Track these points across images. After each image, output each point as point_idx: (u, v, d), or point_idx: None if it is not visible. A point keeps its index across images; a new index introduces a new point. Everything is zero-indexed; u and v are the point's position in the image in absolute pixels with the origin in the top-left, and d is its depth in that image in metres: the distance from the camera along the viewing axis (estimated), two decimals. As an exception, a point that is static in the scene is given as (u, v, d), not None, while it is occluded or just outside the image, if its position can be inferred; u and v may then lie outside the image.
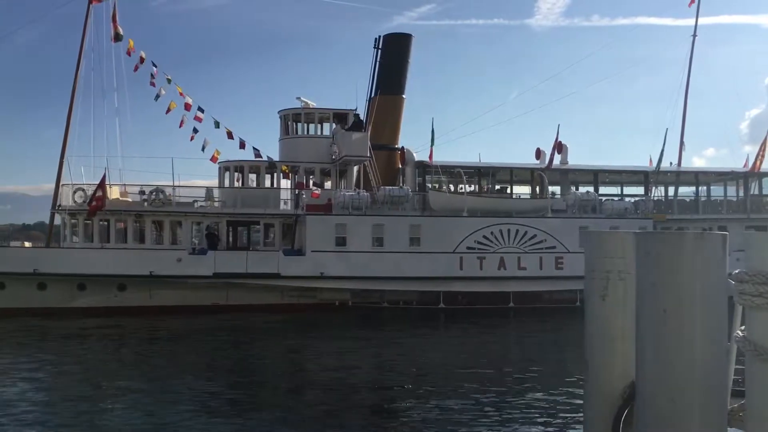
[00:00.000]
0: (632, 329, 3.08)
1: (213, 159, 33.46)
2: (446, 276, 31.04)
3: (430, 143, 34.26)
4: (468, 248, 31.38)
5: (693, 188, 40.69)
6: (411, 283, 30.91)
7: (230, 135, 31.48)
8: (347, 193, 31.31)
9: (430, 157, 34.05)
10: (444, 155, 57.64)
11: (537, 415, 13.40)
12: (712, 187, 41.05)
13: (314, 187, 30.59)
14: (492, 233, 31.60)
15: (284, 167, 31.01)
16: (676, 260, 2.79)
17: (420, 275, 30.76)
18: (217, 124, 31.82)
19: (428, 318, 29.27)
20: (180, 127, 32.51)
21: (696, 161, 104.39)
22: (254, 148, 31.13)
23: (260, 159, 31.30)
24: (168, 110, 32.13)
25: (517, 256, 31.70)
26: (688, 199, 38.57)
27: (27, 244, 34.28)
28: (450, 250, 31.19)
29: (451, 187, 39.03)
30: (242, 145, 31.52)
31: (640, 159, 40.08)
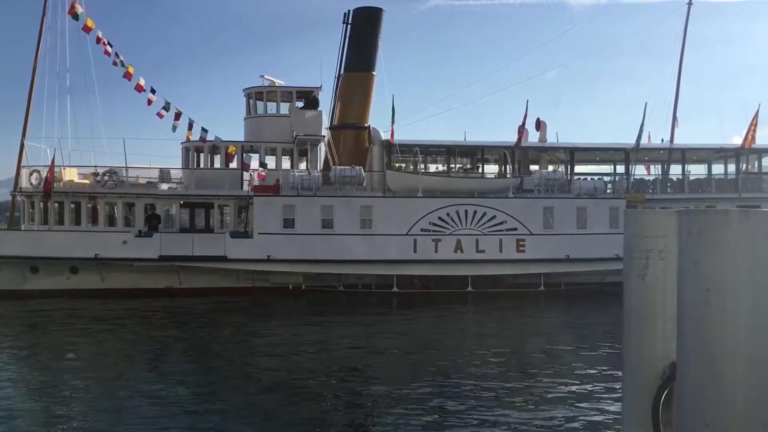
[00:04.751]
0: (672, 309, 3.07)
1: (187, 139, 33.10)
2: (399, 259, 29.87)
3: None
4: (422, 230, 30.09)
5: (700, 166, 38.53)
6: (362, 267, 29.80)
7: (177, 116, 30.84)
8: (296, 174, 30.37)
9: (392, 136, 32.77)
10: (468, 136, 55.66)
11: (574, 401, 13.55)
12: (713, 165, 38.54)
13: (260, 168, 29.73)
14: (448, 214, 30.20)
15: (231, 148, 30.23)
16: (720, 238, 2.69)
17: (371, 258, 29.66)
18: (167, 106, 31.23)
19: (379, 304, 28.23)
20: (149, 105, 32.15)
21: (737, 140, 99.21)
22: (202, 128, 30.47)
23: (206, 140, 30.59)
24: (139, 89, 31.75)
25: (474, 238, 30.26)
26: (675, 178, 36.22)
27: None
28: (403, 233, 29.98)
29: (436, 168, 37.78)
30: (190, 126, 30.89)
31: (653, 138, 38.11)
